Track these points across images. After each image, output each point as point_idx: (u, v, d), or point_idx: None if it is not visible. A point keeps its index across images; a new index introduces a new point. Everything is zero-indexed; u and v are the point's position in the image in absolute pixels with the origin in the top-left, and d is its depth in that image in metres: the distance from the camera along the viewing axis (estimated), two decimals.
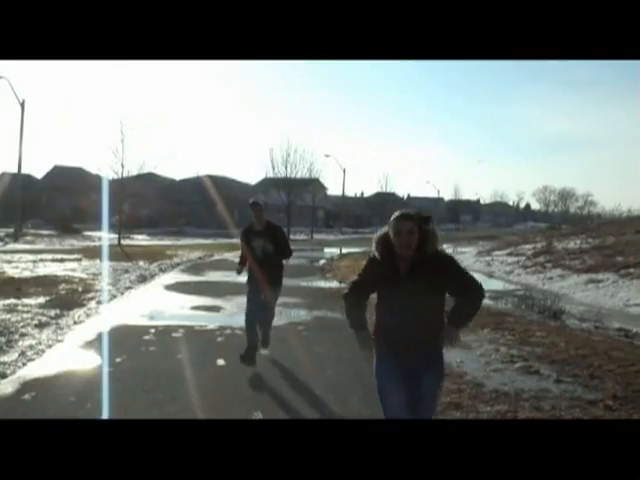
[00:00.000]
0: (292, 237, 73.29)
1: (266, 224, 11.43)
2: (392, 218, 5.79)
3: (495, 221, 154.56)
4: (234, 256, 39.81)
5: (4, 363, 11.00)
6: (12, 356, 11.47)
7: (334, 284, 25.64)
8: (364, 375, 10.67)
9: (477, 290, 6.00)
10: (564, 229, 57.62)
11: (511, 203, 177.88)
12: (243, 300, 11.76)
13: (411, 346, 5.82)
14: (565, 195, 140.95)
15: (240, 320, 12.02)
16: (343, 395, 9.65)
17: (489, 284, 25.95)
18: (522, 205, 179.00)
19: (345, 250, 50.36)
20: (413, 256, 5.75)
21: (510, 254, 36.59)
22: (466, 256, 42.40)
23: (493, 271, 31.92)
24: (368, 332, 6.14)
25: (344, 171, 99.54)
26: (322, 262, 38.44)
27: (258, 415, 8.29)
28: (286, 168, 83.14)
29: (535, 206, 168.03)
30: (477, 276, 22.58)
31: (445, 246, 56.43)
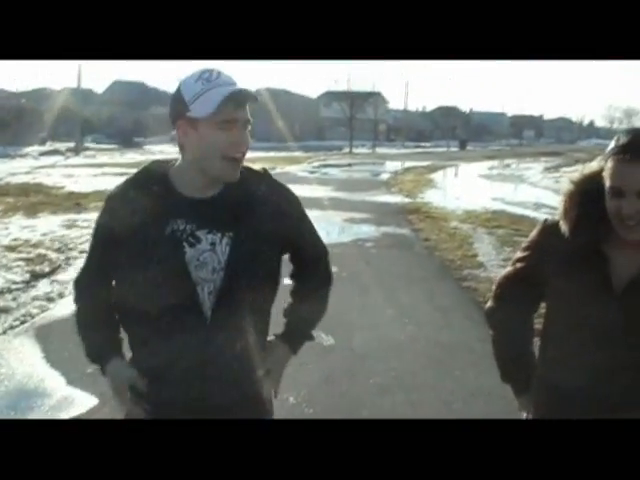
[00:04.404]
0: (355, 151, 72.73)
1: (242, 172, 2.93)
2: (612, 146, 2.66)
3: (558, 137, 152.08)
4: (298, 169, 39.44)
5: (62, 282, 10.62)
6: (71, 274, 11.05)
7: (400, 199, 25.10)
8: (438, 295, 10.25)
9: None
10: None
11: (575, 120, 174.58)
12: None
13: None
14: (630, 113, 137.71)
15: None
16: (418, 317, 9.10)
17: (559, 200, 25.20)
18: (586, 122, 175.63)
19: (408, 164, 49.53)
20: None
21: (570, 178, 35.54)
22: (532, 172, 41.72)
23: (561, 188, 30.80)
24: (528, 400, 3.18)
25: (406, 84, 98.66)
26: (386, 176, 37.84)
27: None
28: (348, 81, 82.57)
29: (599, 123, 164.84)
30: (545, 193, 21.90)
31: (509, 161, 55.72)
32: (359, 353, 7.46)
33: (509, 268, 3.15)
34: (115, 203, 2.98)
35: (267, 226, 2.93)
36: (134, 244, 2.87)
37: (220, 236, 2.89)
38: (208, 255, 2.88)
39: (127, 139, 71.63)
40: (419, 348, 7.87)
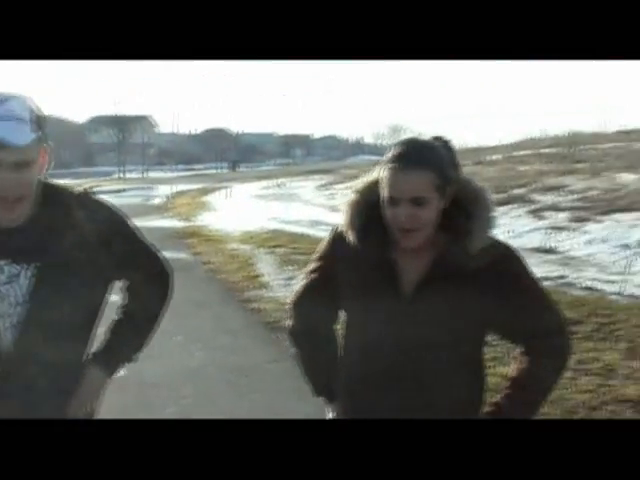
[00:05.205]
0: (126, 176, 71.64)
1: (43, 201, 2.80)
2: (387, 156, 2.69)
3: (327, 155, 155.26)
4: None
5: None
6: None
7: (175, 222, 24.97)
8: (225, 318, 10.20)
9: (561, 339, 2.88)
10: None
11: (343, 137, 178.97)
12: None
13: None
14: (396, 129, 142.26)
15: None
16: (207, 342, 9.05)
17: (335, 218, 25.71)
18: (354, 139, 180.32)
19: (181, 187, 49.23)
20: (428, 250, 2.75)
21: (351, 187, 36.23)
22: (305, 190, 42.20)
23: (336, 205, 31.53)
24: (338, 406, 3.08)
25: (177, 108, 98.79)
26: (159, 200, 37.49)
27: None
28: (116, 105, 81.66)
29: (367, 140, 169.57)
30: (320, 210, 22.10)
31: (281, 180, 56.34)
32: (152, 383, 7.28)
33: (303, 281, 3.11)
34: None
35: (82, 252, 2.77)
36: None
37: (23, 268, 2.72)
38: (7, 288, 2.71)
39: None
40: (212, 373, 7.80)
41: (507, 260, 2.78)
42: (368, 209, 2.76)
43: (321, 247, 3.03)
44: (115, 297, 3.08)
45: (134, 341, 3.09)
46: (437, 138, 2.79)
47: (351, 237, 2.80)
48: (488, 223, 2.74)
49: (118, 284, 3.12)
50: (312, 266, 3.06)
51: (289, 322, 3.18)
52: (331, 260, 2.95)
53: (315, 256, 3.06)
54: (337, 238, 2.91)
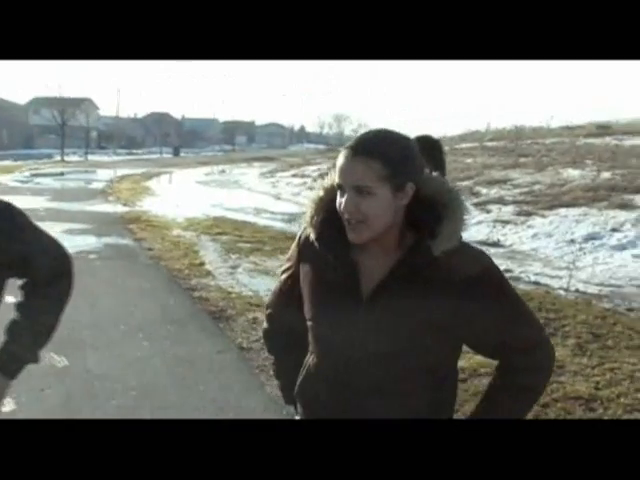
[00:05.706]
0: (66, 159, 70.80)
1: None
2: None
3: (270, 143, 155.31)
4: (8, 179, 37.78)
5: None
6: None
7: (118, 208, 24.58)
8: (170, 306, 10.04)
9: (542, 352, 2.74)
10: None
11: (286, 125, 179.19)
12: None
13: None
14: (340, 118, 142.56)
15: None
16: (153, 331, 8.83)
17: (279, 206, 25.70)
18: (297, 127, 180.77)
19: (123, 172, 48.80)
20: (395, 252, 2.62)
21: (295, 175, 36.40)
22: (248, 177, 42.23)
23: (280, 193, 31.60)
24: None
25: (118, 90, 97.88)
26: (101, 184, 37.02)
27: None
28: (59, 87, 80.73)
29: (310, 129, 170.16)
30: (264, 198, 21.99)
31: (224, 167, 56.11)
32: (97, 374, 7.09)
33: (276, 283, 3.03)
34: None
35: None
36: None
37: None
38: None
39: None
40: (158, 364, 7.62)
41: (488, 272, 2.64)
42: (329, 207, 2.66)
43: (292, 246, 2.93)
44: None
45: (34, 341, 2.98)
46: (422, 136, 2.70)
47: (312, 235, 2.70)
48: (457, 226, 2.59)
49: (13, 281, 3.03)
50: (283, 267, 2.97)
51: (264, 325, 3.14)
52: (297, 260, 2.85)
53: (286, 256, 2.97)
54: (303, 237, 2.81)
